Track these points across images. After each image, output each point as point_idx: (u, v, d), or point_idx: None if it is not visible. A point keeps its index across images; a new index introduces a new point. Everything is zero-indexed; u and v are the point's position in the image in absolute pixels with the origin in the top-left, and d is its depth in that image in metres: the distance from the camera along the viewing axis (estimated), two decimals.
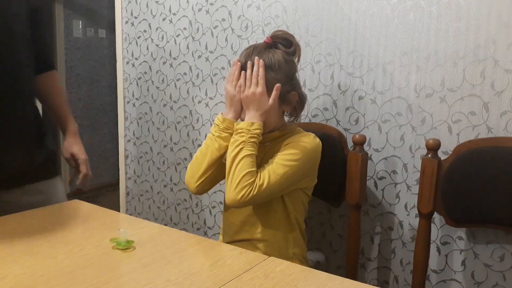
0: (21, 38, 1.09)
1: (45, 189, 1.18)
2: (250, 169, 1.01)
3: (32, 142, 1.13)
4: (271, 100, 1.05)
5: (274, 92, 1.05)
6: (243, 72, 1.06)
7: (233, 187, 1.01)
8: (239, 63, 1.07)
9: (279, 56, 1.06)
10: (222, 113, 1.11)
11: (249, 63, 1.05)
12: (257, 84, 1.04)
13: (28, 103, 1.14)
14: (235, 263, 0.77)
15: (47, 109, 1.27)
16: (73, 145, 1.25)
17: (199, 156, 1.13)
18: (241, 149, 1.02)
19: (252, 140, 1.03)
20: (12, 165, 1.08)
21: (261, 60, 1.04)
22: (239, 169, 1.01)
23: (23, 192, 1.12)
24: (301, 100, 1.12)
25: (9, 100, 1.07)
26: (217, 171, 1.12)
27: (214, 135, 1.10)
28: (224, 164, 1.12)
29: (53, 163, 1.21)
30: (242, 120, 1.09)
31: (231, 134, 1.08)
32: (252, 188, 1.00)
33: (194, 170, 1.13)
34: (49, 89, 1.26)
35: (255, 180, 1.00)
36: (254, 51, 1.07)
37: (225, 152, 1.10)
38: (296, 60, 1.11)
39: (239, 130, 1.04)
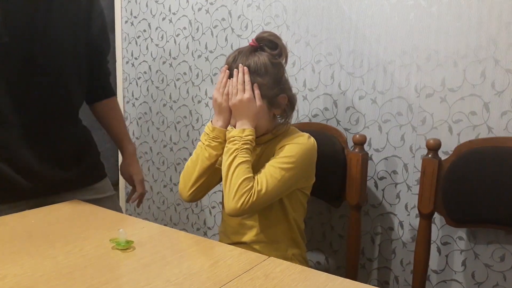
0: (75, 69, 1.21)
1: (97, 189, 1.30)
2: (247, 176, 0.99)
3: (81, 156, 1.27)
4: (257, 101, 1.04)
5: (256, 92, 1.04)
6: (229, 80, 1.06)
7: (231, 196, 0.99)
8: (227, 70, 1.06)
9: (265, 59, 1.05)
10: (211, 121, 1.10)
11: (235, 71, 1.04)
12: (243, 90, 1.03)
13: (78, 125, 1.29)
14: (235, 264, 0.77)
15: (106, 131, 1.41)
16: (130, 166, 1.39)
17: (190, 165, 1.12)
18: (235, 157, 1.01)
19: (245, 146, 1.02)
20: (63, 174, 1.22)
21: (245, 67, 1.03)
22: (235, 177, 0.99)
23: (79, 193, 1.25)
24: (291, 103, 1.11)
25: (62, 122, 1.21)
26: (209, 178, 1.12)
27: (204, 144, 1.10)
28: (216, 170, 1.12)
29: (98, 170, 1.34)
30: (233, 126, 1.08)
31: (220, 143, 1.08)
32: (251, 194, 0.98)
33: (186, 179, 1.13)
34: (108, 114, 1.39)
35: (253, 185, 0.99)
36: (239, 55, 1.06)
37: (216, 161, 1.10)
38: (283, 61, 1.09)
39: (231, 139, 1.03)
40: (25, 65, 1.10)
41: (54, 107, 1.17)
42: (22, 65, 1.10)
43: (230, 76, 1.06)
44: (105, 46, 1.33)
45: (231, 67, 1.06)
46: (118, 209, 1.35)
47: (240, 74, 1.04)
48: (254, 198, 0.98)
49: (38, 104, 1.14)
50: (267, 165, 1.03)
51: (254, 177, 1.01)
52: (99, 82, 1.34)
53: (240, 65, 1.04)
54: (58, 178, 1.20)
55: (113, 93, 1.40)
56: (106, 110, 1.38)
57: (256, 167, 1.04)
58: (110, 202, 1.32)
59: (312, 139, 1.10)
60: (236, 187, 0.98)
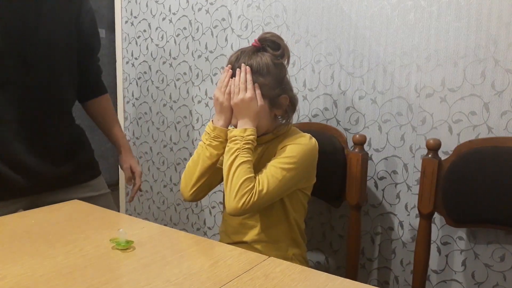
0: (67, 67, 1.22)
1: (91, 187, 1.33)
2: (248, 176, 0.99)
3: (75, 153, 1.29)
4: (259, 101, 1.04)
5: (257, 91, 1.04)
6: (231, 79, 1.05)
7: (232, 196, 0.99)
8: (230, 70, 1.06)
9: (267, 59, 1.05)
10: (212, 121, 1.10)
11: (237, 70, 1.04)
12: (245, 89, 1.03)
13: (71, 122, 1.30)
14: (235, 264, 0.77)
15: (100, 128, 1.42)
16: (130, 159, 1.42)
17: (191, 165, 1.12)
18: (236, 157, 1.01)
19: (246, 146, 1.02)
20: (56, 170, 1.23)
21: (247, 66, 1.04)
22: (236, 177, 0.99)
23: (73, 191, 1.27)
24: (292, 103, 1.11)
25: (55, 119, 1.22)
26: (210, 178, 1.12)
27: (205, 143, 1.10)
28: (218, 170, 1.12)
29: (92, 167, 1.36)
30: (234, 126, 1.08)
31: (221, 142, 1.07)
32: (252, 194, 0.98)
33: (187, 179, 1.13)
34: (101, 111, 1.40)
35: (254, 186, 0.99)
36: (241, 55, 1.06)
37: (217, 161, 1.10)
38: (285, 62, 1.09)
39: (233, 138, 1.03)
40: (17, 63, 1.11)
41: (47, 104, 1.18)
42: (14, 63, 1.11)
43: (233, 75, 1.06)
44: (96, 43, 1.33)
45: (233, 66, 1.06)
46: (113, 207, 1.36)
47: (242, 74, 1.04)
48: (255, 198, 0.98)
49: (31, 101, 1.15)
50: (269, 165, 1.03)
51: (255, 177, 1.01)
52: (90, 80, 1.35)
53: (243, 64, 1.04)
54: (51, 175, 1.21)
55: (105, 91, 1.40)
56: (98, 107, 1.39)
57: (257, 167, 1.04)
58: (104, 200, 1.33)
59: (314, 139, 1.10)
60: (238, 187, 0.98)
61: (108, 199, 1.37)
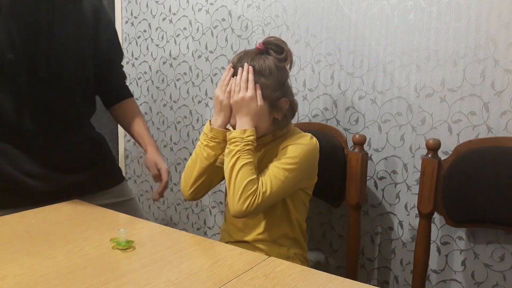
0: (81, 81, 1.23)
1: (113, 193, 1.33)
2: (251, 178, 0.99)
3: (93, 162, 1.29)
4: (259, 101, 1.04)
5: (257, 92, 1.04)
6: (232, 78, 1.06)
7: (236, 199, 0.99)
8: (232, 69, 1.07)
9: (270, 62, 1.05)
10: (210, 121, 1.10)
11: (239, 69, 1.04)
12: (246, 88, 1.03)
13: (89, 132, 1.32)
14: (235, 263, 0.77)
15: (127, 132, 1.41)
16: (156, 156, 1.37)
17: (190, 165, 1.13)
18: (237, 159, 1.00)
19: (247, 148, 1.01)
20: (73, 178, 1.24)
21: (250, 66, 1.04)
22: (239, 179, 0.99)
23: (93, 198, 1.26)
24: (292, 108, 1.11)
25: (69, 129, 1.23)
26: (209, 177, 1.12)
27: (202, 144, 1.10)
28: (217, 169, 1.12)
29: (114, 175, 1.37)
30: (232, 126, 1.08)
31: (219, 143, 1.07)
32: (256, 196, 0.98)
33: (186, 178, 1.13)
34: (125, 115, 1.39)
35: (257, 188, 0.99)
36: (244, 56, 1.06)
37: (215, 161, 1.10)
38: (288, 66, 1.10)
39: (233, 140, 1.03)
40: (29, 78, 1.12)
41: (60, 117, 1.19)
42: (26, 78, 1.12)
43: (234, 75, 1.06)
44: (115, 56, 1.34)
45: (235, 66, 1.06)
46: (139, 212, 1.35)
47: (244, 73, 1.04)
48: (259, 200, 0.99)
49: (45, 113, 1.16)
50: (271, 166, 1.03)
51: (258, 178, 1.01)
52: (111, 87, 1.35)
53: (245, 64, 1.04)
54: (68, 182, 1.21)
55: (129, 95, 1.40)
56: (122, 112, 1.38)
57: (259, 168, 1.05)
58: (130, 205, 1.32)
59: (315, 139, 1.10)
60: (241, 190, 0.98)
61: (133, 205, 1.35)
